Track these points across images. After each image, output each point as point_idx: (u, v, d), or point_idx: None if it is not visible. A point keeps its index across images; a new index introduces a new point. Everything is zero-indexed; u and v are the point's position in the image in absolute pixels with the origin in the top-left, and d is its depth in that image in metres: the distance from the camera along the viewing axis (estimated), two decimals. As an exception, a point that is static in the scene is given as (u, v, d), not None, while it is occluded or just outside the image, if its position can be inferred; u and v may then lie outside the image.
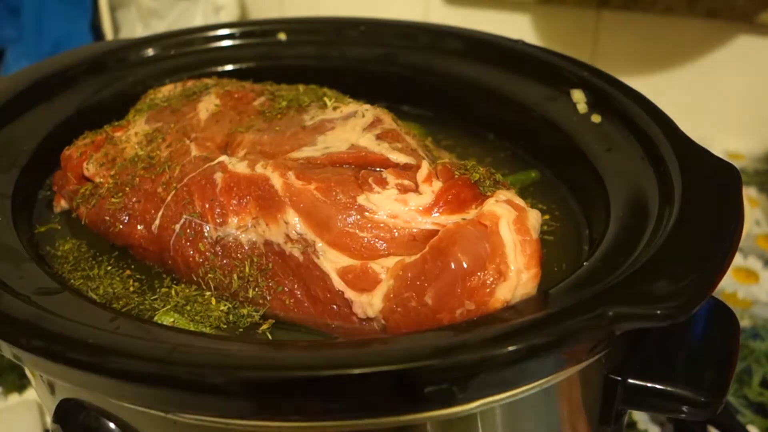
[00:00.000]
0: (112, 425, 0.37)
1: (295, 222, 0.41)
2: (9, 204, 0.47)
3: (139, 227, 0.46)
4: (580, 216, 0.50)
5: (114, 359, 0.33)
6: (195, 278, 0.44)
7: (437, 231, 0.39)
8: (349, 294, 0.39)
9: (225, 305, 0.42)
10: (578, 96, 0.54)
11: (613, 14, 1.03)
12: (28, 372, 0.45)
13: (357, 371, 0.31)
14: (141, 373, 0.33)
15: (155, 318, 0.41)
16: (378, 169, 0.43)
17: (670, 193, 0.42)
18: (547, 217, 0.50)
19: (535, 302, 0.37)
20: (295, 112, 0.51)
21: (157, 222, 0.45)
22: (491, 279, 0.36)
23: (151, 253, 0.46)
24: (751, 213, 0.91)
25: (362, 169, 0.43)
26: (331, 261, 0.40)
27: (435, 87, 0.63)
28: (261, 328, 0.41)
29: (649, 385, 0.38)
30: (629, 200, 0.44)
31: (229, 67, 0.66)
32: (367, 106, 0.49)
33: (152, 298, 0.43)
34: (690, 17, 0.98)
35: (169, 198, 0.45)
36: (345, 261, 0.40)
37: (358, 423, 0.34)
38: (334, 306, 0.40)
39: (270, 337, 0.41)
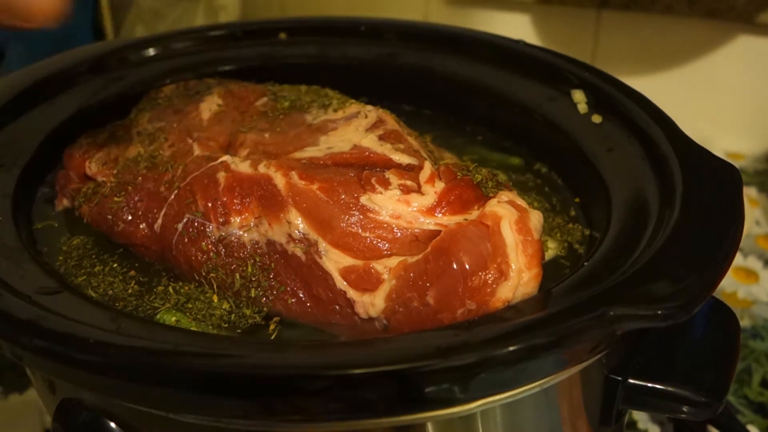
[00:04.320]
0: (112, 425, 0.37)
1: (297, 222, 0.41)
2: (10, 203, 0.47)
3: (141, 226, 0.46)
4: (581, 216, 0.50)
5: (114, 359, 0.33)
6: (197, 277, 0.44)
7: (439, 231, 0.39)
8: (352, 294, 0.40)
9: (227, 304, 0.42)
10: (579, 96, 0.54)
11: (613, 14, 1.03)
12: (28, 372, 0.45)
13: (357, 371, 0.31)
14: (141, 373, 0.33)
15: (157, 316, 0.41)
16: (381, 170, 0.43)
17: (671, 194, 0.42)
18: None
19: (536, 302, 0.37)
20: (297, 113, 0.51)
21: (159, 221, 0.45)
22: (492, 279, 0.36)
23: (153, 252, 0.46)
24: (751, 213, 0.91)
25: (365, 169, 0.43)
26: (334, 261, 0.40)
27: (435, 87, 0.63)
28: (270, 329, 0.41)
29: (649, 385, 0.38)
30: (630, 200, 0.44)
31: (230, 67, 0.66)
32: (370, 107, 0.49)
33: (151, 298, 0.43)
34: (690, 17, 0.98)
35: (172, 197, 0.45)
36: (347, 261, 0.40)
37: (358, 423, 0.34)
38: (337, 306, 0.40)
39: (273, 337, 0.41)
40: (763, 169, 1.01)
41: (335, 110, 0.50)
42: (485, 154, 0.59)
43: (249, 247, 0.43)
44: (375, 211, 0.40)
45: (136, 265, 0.47)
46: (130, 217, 0.46)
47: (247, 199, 0.43)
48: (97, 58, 0.63)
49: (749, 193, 0.96)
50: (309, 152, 0.46)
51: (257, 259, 0.42)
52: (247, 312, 0.42)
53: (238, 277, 0.42)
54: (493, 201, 0.39)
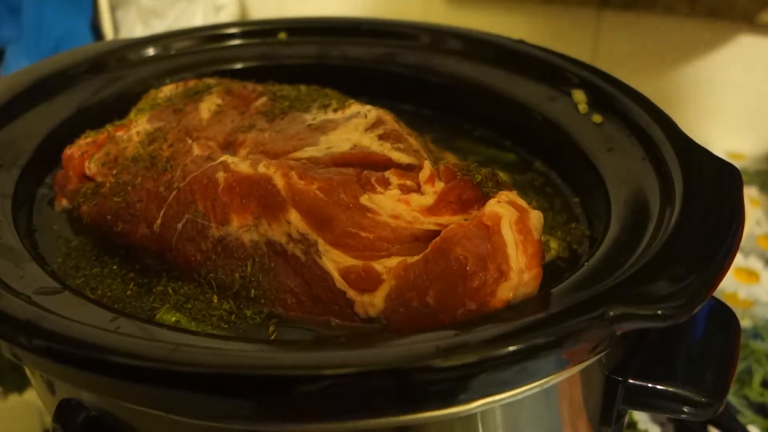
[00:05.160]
0: (112, 425, 0.37)
1: (297, 222, 0.41)
2: (9, 203, 0.47)
3: (141, 226, 0.46)
4: (581, 216, 0.50)
5: (114, 359, 0.33)
6: (197, 277, 0.44)
7: (439, 231, 0.39)
8: (351, 294, 0.40)
9: (227, 304, 0.42)
10: (579, 96, 0.54)
11: (613, 14, 1.03)
12: (28, 372, 0.45)
13: (357, 371, 0.31)
14: (141, 373, 0.33)
15: (157, 317, 0.41)
16: (380, 170, 0.43)
17: (671, 193, 0.42)
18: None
19: (536, 302, 0.37)
20: (297, 113, 0.51)
21: (159, 221, 0.45)
22: (493, 279, 0.36)
23: (152, 252, 0.46)
24: (751, 213, 0.91)
25: (365, 169, 0.43)
26: (333, 261, 0.40)
27: (435, 87, 0.63)
28: (270, 330, 0.41)
29: (649, 385, 0.38)
30: (630, 200, 0.44)
31: (229, 67, 0.66)
32: (369, 107, 0.49)
33: (150, 299, 0.43)
34: (691, 17, 0.98)
35: (171, 197, 0.45)
36: (347, 261, 0.40)
37: (358, 423, 0.34)
38: (336, 306, 0.40)
39: (272, 337, 0.41)
40: (764, 169, 1.01)
41: (335, 110, 0.50)
42: (481, 150, 0.59)
43: (248, 247, 0.43)
44: (375, 211, 0.40)
45: (137, 267, 0.47)
46: (129, 218, 0.46)
47: (247, 199, 0.43)
48: (97, 58, 0.63)
49: (750, 193, 0.96)
50: (308, 152, 0.46)
51: (257, 260, 0.42)
52: (248, 313, 0.42)
53: (237, 277, 0.42)
54: (493, 201, 0.39)
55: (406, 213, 0.40)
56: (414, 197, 0.40)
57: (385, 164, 0.43)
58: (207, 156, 0.47)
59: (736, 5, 0.93)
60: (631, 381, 0.38)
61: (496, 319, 0.35)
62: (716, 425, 0.61)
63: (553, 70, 0.57)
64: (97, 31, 1.23)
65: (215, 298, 0.43)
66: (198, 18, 1.22)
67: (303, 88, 0.56)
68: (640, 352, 0.39)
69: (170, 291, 0.43)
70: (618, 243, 0.40)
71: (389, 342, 0.35)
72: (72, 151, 0.52)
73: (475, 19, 1.11)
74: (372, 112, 0.49)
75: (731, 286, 0.80)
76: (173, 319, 0.41)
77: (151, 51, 0.66)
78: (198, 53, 0.67)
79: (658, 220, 0.40)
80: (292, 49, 0.68)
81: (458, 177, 0.41)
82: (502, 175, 0.43)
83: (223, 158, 0.46)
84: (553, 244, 0.47)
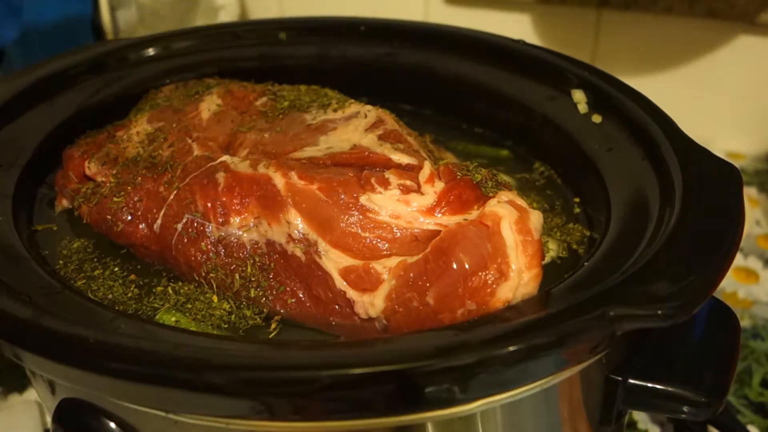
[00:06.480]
0: (112, 425, 0.37)
1: (297, 222, 0.41)
2: (10, 203, 0.47)
3: (141, 226, 0.46)
4: (581, 216, 0.50)
5: (114, 359, 0.33)
6: (197, 278, 0.44)
7: (439, 231, 0.39)
8: (351, 294, 0.40)
9: (227, 304, 0.42)
10: (579, 96, 0.54)
11: (613, 14, 1.03)
12: (28, 372, 0.45)
13: (357, 371, 0.31)
14: (141, 373, 0.33)
15: (157, 317, 0.41)
16: (380, 170, 0.43)
17: (671, 193, 0.42)
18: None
19: (536, 302, 0.37)
20: (297, 113, 0.51)
21: (159, 221, 0.45)
22: (492, 279, 0.36)
23: (152, 252, 0.46)
24: (751, 213, 0.91)
25: (364, 169, 0.43)
26: (333, 261, 0.40)
27: (435, 87, 0.63)
28: (270, 329, 0.41)
29: (649, 385, 0.38)
30: (630, 200, 0.44)
31: (230, 67, 0.66)
32: (369, 107, 0.49)
33: (150, 299, 0.43)
34: (690, 17, 0.97)
35: (171, 197, 0.45)
36: (347, 261, 0.40)
37: (358, 423, 0.34)
38: (336, 306, 0.40)
39: (272, 337, 0.41)
40: (764, 169, 1.00)
41: (335, 110, 0.50)
42: (480, 150, 0.59)
43: (248, 248, 0.43)
44: (375, 211, 0.40)
45: (138, 267, 0.47)
46: (129, 218, 0.46)
47: (247, 199, 0.43)
48: (97, 58, 0.63)
49: (749, 193, 0.95)
50: (308, 152, 0.46)
51: (257, 260, 0.42)
52: (248, 313, 0.42)
53: (237, 277, 0.42)
54: (493, 201, 0.39)
55: (406, 213, 0.40)
56: (414, 197, 0.40)
57: (385, 164, 0.43)
58: (207, 156, 0.47)
59: (736, 5, 0.93)
60: (631, 381, 0.38)
61: (496, 319, 0.35)
62: (716, 425, 0.61)
63: (553, 70, 0.57)
64: (97, 31, 1.23)
65: (215, 298, 0.43)
66: (198, 18, 1.22)
67: (303, 88, 0.56)
68: (640, 352, 0.39)
69: (170, 291, 0.43)
70: (618, 243, 0.40)
71: (389, 342, 0.35)
72: (72, 151, 0.52)
73: (475, 19, 1.11)
74: (372, 112, 0.49)
75: (731, 286, 0.80)
76: (173, 319, 0.41)
77: (151, 51, 0.66)
78: (198, 53, 0.67)
79: (658, 220, 0.40)
80: (292, 49, 0.68)
81: (458, 177, 0.41)
82: (502, 176, 0.43)
83: (223, 158, 0.46)
84: (553, 245, 0.47)
